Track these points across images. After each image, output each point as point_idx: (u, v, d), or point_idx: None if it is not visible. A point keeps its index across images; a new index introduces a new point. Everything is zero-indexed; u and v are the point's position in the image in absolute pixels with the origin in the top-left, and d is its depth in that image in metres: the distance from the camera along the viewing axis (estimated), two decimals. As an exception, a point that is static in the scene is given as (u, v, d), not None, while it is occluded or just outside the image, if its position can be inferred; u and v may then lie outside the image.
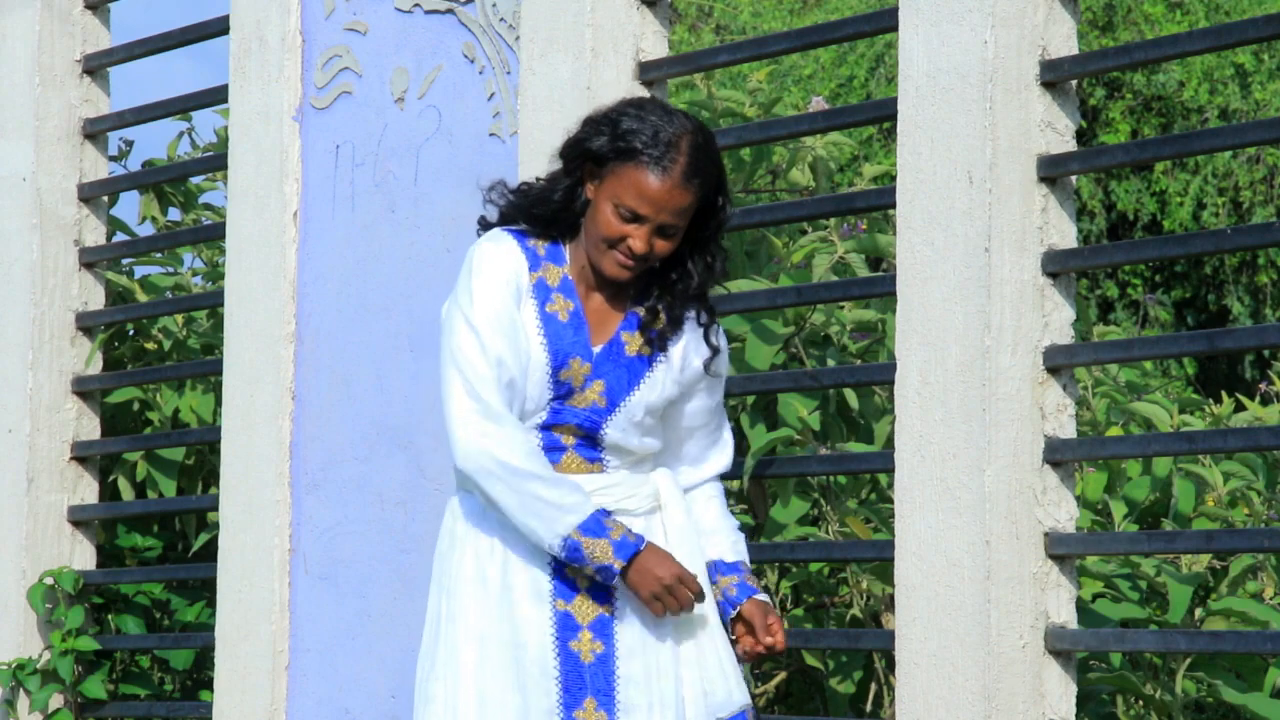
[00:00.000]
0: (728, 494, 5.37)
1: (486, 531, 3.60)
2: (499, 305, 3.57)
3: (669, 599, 3.53)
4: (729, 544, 3.75)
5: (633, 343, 3.64)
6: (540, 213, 3.65)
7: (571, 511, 3.51)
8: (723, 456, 3.83)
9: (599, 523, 3.51)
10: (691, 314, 3.69)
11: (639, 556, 3.52)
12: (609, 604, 3.57)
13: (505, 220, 3.71)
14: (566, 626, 3.55)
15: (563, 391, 3.59)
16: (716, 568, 3.71)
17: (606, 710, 3.52)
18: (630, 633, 3.56)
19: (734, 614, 3.67)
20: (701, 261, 3.66)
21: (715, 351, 3.71)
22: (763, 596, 3.68)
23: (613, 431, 3.62)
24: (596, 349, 3.62)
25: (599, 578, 3.53)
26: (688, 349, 3.69)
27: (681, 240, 3.63)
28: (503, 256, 3.60)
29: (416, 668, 3.69)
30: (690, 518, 3.70)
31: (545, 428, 3.60)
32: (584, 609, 3.56)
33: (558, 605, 3.55)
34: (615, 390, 3.61)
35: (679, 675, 3.59)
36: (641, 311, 3.66)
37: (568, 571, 3.57)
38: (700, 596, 3.56)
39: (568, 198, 3.64)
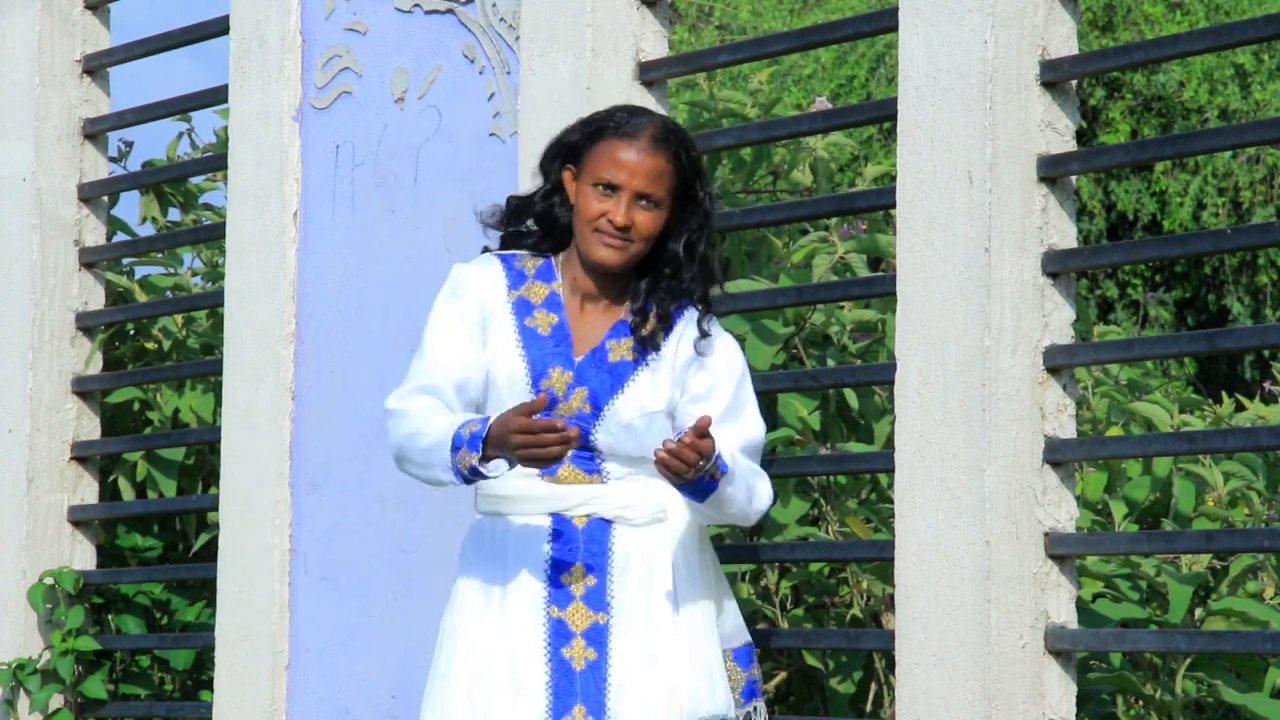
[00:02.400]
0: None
1: (490, 548, 3.63)
2: (450, 325, 3.66)
3: (529, 451, 3.43)
4: (730, 450, 3.65)
5: (617, 349, 3.65)
6: (526, 221, 3.70)
7: (442, 444, 3.53)
8: (744, 433, 3.71)
9: (459, 435, 3.50)
10: (686, 313, 3.68)
11: (489, 438, 3.47)
12: (604, 612, 3.57)
13: (503, 241, 3.77)
14: (559, 634, 3.55)
15: (547, 402, 3.60)
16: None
17: (596, 717, 3.52)
18: (625, 640, 3.56)
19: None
20: (690, 256, 3.66)
21: (704, 334, 3.68)
22: (727, 462, 3.57)
23: (603, 436, 3.62)
24: (579, 358, 3.63)
25: (495, 475, 3.51)
26: (680, 345, 3.68)
27: (668, 234, 3.64)
28: (477, 279, 3.67)
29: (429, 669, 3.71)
30: (698, 531, 3.68)
31: None
32: (578, 617, 3.57)
33: (551, 612, 3.56)
34: (599, 395, 3.62)
35: (673, 682, 3.58)
36: (631, 319, 3.67)
37: (562, 579, 3.58)
38: (556, 428, 3.42)
39: (548, 200, 3.68)
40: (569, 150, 3.68)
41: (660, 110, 4.72)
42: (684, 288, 3.67)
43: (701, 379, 3.70)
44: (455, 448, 3.51)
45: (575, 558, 3.60)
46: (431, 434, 3.55)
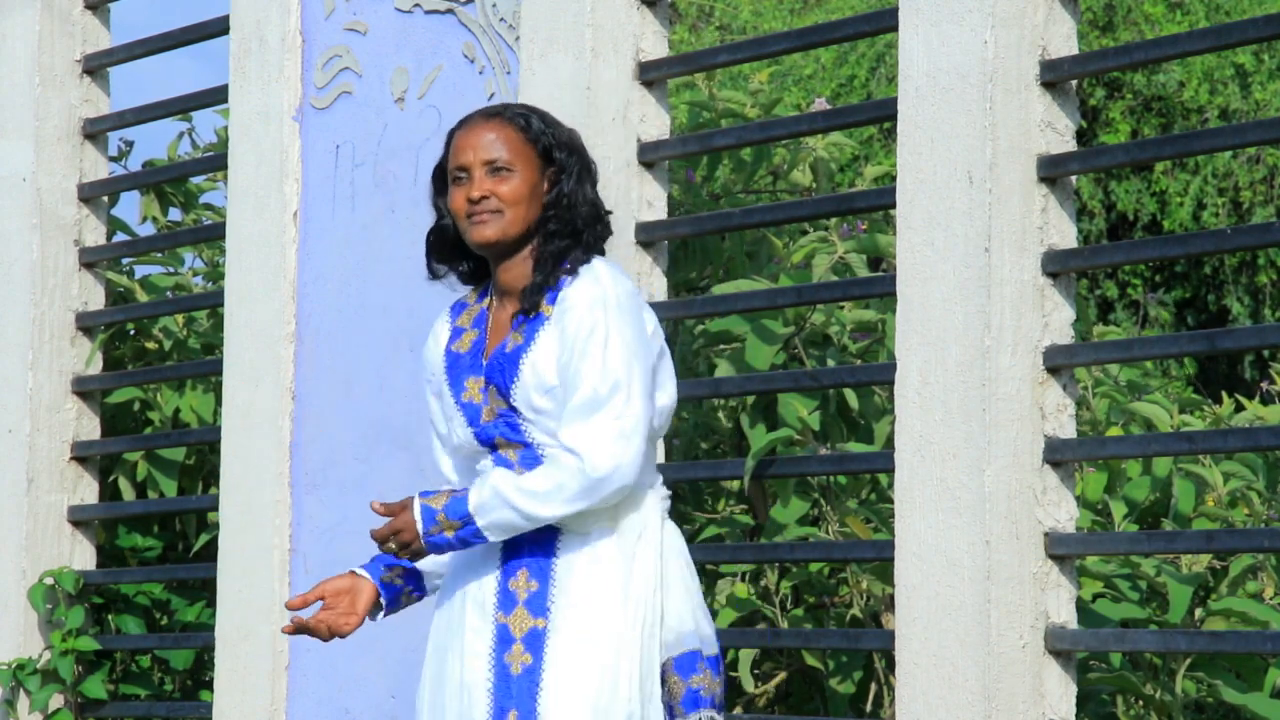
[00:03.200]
0: (729, 494, 5.38)
1: (458, 555, 3.64)
2: (430, 405, 3.75)
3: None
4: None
5: (516, 336, 3.63)
6: (448, 245, 3.72)
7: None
8: (568, 430, 3.59)
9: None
10: (567, 281, 3.59)
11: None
12: (543, 617, 3.58)
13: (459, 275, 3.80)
14: (503, 639, 3.57)
15: (473, 414, 3.61)
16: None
17: None
18: (560, 645, 3.56)
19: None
20: (558, 201, 3.63)
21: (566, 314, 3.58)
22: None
23: (528, 426, 3.60)
24: (486, 360, 3.64)
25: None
26: (561, 307, 3.58)
27: (539, 201, 3.63)
28: (429, 344, 3.75)
29: None
30: (656, 544, 3.64)
31: (493, 450, 3.62)
32: (519, 621, 3.58)
33: (498, 618, 3.58)
34: (504, 387, 3.59)
35: (618, 684, 3.56)
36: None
37: (509, 585, 3.59)
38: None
39: (443, 227, 3.71)
40: (438, 176, 3.73)
41: (661, 110, 4.72)
42: (549, 231, 3.61)
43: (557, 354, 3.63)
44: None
45: (522, 564, 3.61)
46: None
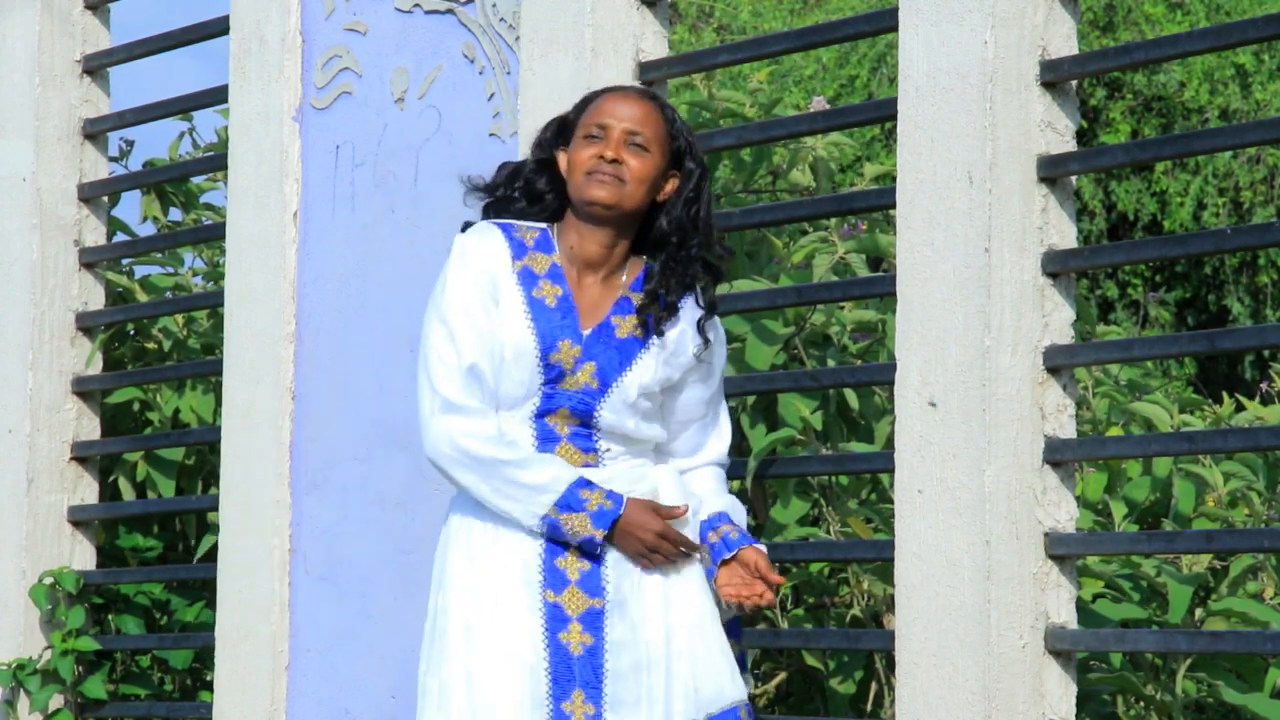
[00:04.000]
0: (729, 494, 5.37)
1: (479, 525, 3.61)
2: (470, 298, 3.63)
3: (655, 556, 3.56)
4: (726, 503, 3.75)
5: (624, 325, 3.65)
6: (516, 187, 3.71)
7: (545, 491, 3.55)
8: (719, 444, 3.83)
9: (575, 496, 3.55)
10: (688, 303, 3.69)
11: (619, 521, 3.55)
12: (599, 596, 3.57)
13: (487, 209, 3.76)
14: (556, 618, 3.55)
15: (554, 375, 3.60)
16: (712, 523, 3.69)
17: (594, 703, 3.52)
18: (620, 626, 3.56)
19: (729, 556, 3.64)
20: (692, 220, 3.66)
21: (707, 342, 3.72)
22: (762, 547, 3.67)
23: (607, 414, 3.62)
24: (586, 332, 3.63)
25: (586, 547, 3.55)
26: (683, 336, 3.69)
27: (664, 208, 3.66)
28: (482, 248, 3.65)
29: (419, 662, 3.71)
30: (689, 513, 3.69)
31: (540, 416, 3.61)
32: (574, 601, 3.56)
33: (548, 597, 3.56)
34: (607, 371, 3.61)
35: (670, 669, 3.58)
36: (635, 296, 3.67)
37: (557, 564, 3.58)
38: (689, 546, 3.59)
39: (538, 172, 3.72)
40: (562, 126, 3.74)
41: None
42: (690, 254, 3.67)
43: (700, 386, 3.77)
44: (568, 507, 3.54)
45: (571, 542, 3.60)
46: (536, 474, 3.57)
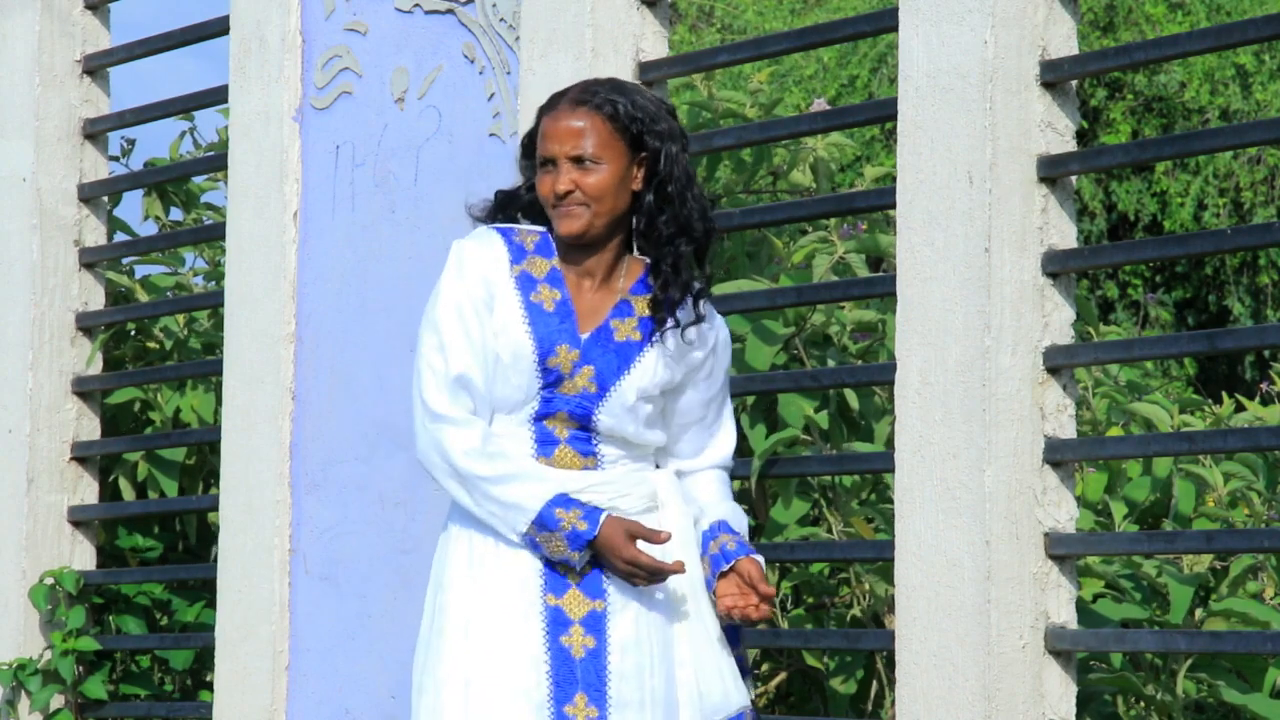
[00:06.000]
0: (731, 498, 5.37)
1: (479, 526, 3.60)
2: (462, 305, 3.60)
3: (636, 578, 3.54)
4: (727, 510, 3.73)
5: (622, 329, 3.64)
6: (515, 215, 3.71)
7: (522, 510, 3.52)
8: (722, 446, 3.81)
9: (551, 516, 3.51)
10: (689, 304, 3.68)
11: (594, 544, 3.52)
12: (601, 598, 3.56)
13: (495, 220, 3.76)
14: (557, 621, 3.54)
15: (552, 379, 3.59)
16: (712, 533, 3.67)
17: (597, 705, 3.51)
18: (623, 628, 3.55)
19: (726, 568, 3.63)
20: (663, 198, 3.63)
21: (712, 350, 3.72)
22: (759, 558, 3.66)
23: (605, 418, 3.61)
24: (585, 336, 3.62)
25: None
26: (685, 336, 3.68)
27: (644, 196, 3.63)
28: (479, 254, 3.63)
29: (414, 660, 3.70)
30: (689, 519, 3.68)
31: (539, 419, 3.60)
32: (575, 604, 3.55)
33: (548, 600, 3.55)
34: (605, 375, 3.60)
35: (672, 675, 3.57)
36: (634, 300, 3.66)
37: (557, 567, 3.57)
38: (663, 572, 3.53)
39: (530, 193, 3.70)
40: (528, 147, 3.72)
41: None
42: (679, 251, 3.63)
43: (702, 388, 3.75)
44: (544, 526, 3.52)
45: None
46: (512, 492, 3.54)
